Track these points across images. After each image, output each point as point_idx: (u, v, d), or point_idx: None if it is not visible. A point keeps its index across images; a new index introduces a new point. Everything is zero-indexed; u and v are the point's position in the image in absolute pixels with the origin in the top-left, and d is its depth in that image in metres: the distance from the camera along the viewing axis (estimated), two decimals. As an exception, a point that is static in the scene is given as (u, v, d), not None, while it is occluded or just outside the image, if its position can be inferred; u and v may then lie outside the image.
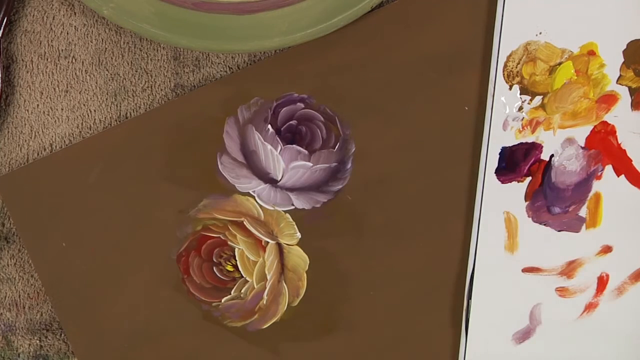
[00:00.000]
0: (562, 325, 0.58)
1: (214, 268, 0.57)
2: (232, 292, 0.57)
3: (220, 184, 0.57)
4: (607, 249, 0.59)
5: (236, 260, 0.57)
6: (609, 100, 0.58)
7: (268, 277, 0.57)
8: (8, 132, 0.58)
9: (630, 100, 0.58)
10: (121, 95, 0.58)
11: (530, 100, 0.58)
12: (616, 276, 0.59)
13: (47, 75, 0.58)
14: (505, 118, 0.58)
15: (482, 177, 0.58)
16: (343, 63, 0.58)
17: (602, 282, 0.59)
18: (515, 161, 0.58)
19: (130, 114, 0.58)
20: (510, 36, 0.57)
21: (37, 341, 0.58)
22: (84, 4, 0.57)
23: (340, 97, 0.58)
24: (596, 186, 0.58)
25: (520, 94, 0.58)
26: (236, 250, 0.57)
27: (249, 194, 0.57)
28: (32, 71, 0.58)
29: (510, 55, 0.58)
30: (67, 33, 0.58)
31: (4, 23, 0.56)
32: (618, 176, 0.58)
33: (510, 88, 0.58)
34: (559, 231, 0.58)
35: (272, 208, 0.57)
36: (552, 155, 0.58)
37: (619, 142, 0.58)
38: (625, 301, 0.59)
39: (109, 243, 0.57)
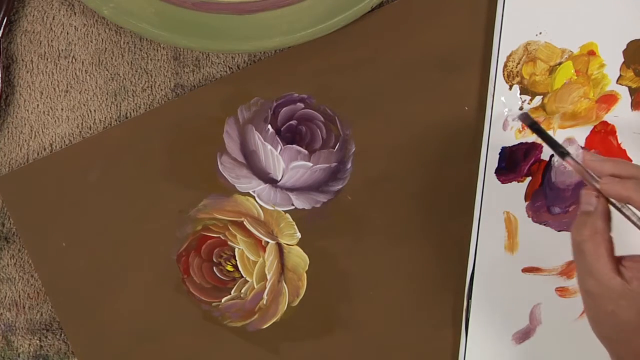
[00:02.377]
0: (562, 325, 0.58)
1: (214, 268, 0.57)
2: (232, 292, 0.57)
3: (220, 184, 0.57)
4: (607, 249, 0.59)
5: (236, 260, 0.57)
6: (609, 100, 0.58)
7: (268, 277, 0.57)
8: (8, 132, 0.58)
9: (630, 100, 0.58)
10: (121, 95, 0.58)
11: (530, 100, 0.58)
12: (616, 276, 0.59)
13: (47, 75, 0.58)
14: (505, 118, 0.58)
15: (482, 177, 0.58)
16: (343, 63, 0.58)
17: (602, 282, 0.59)
18: (515, 161, 0.58)
19: (130, 114, 0.58)
20: (510, 36, 0.57)
21: (37, 341, 0.58)
22: (84, 4, 0.57)
23: (340, 97, 0.58)
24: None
25: (520, 94, 0.58)
26: (236, 250, 0.57)
27: (249, 194, 0.57)
28: (32, 71, 0.58)
29: (510, 55, 0.58)
30: (67, 33, 0.58)
31: (4, 23, 0.56)
32: (618, 176, 0.58)
33: (510, 88, 0.58)
34: (559, 231, 0.58)
35: (272, 208, 0.57)
36: (552, 155, 0.58)
37: (619, 142, 0.58)
38: (625, 301, 0.59)
39: (109, 243, 0.57)
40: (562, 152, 0.51)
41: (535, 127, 0.54)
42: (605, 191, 0.48)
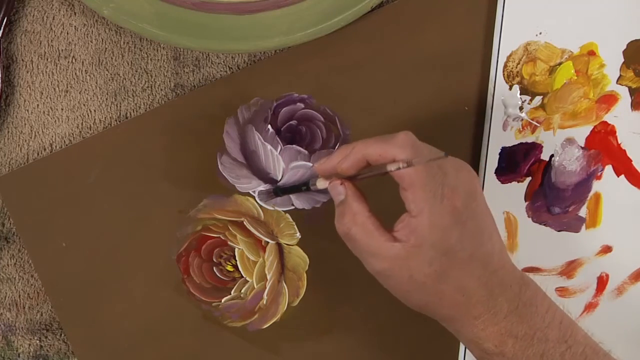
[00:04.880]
0: (562, 325, 0.58)
1: (214, 268, 0.57)
2: (232, 292, 0.57)
3: (220, 184, 0.57)
4: (607, 249, 0.59)
5: (236, 260, 0.57)
6: (609, 100, 0.58)
7: (268, 277, 0.57)
8: (8, 132, 0.58)
9: (630, 100, 0.58)
10: (121, 95, 0.58)
11: (530, 100, 0.58)
12: (616, 276, 0.59)
13: (47, 75, 0.58)
14: (505, 118, 0.58)
15: (482, 177, 0.58)
16: (343, 63, 0.58)
17: (602, 282, 0.59)
18: (515, 161, 0.58)
19: (130, 114, 0.58)
20: (510, 36, 0.57)
21: (37, 341, 0.58)
22: (84, 4, 0.57)
23: (340, 97, 0.58)
24: (596, 186, 0.58)
25: (520, 94, 0.58)
26: (236, 250, 0.57)
27: (249, 194, 0.57)
28: (32, 71, 0.58)
29: (510, 55, 0.58)
30: (67, 33, 0.58)
31: (4, 23, 0.56)
32: (618, 176, 0.58)
33: (510, 88, 0.58)
34: (559, 231, 0.58)
35: (272, 208, 0.57)
36: (552, 156, 0.58)
37: (619, 142, 0.58)
38: (625, 301, 0.59)
39: (109, 243, 0.57)
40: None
41: None
42: (322, 171, 0.49)
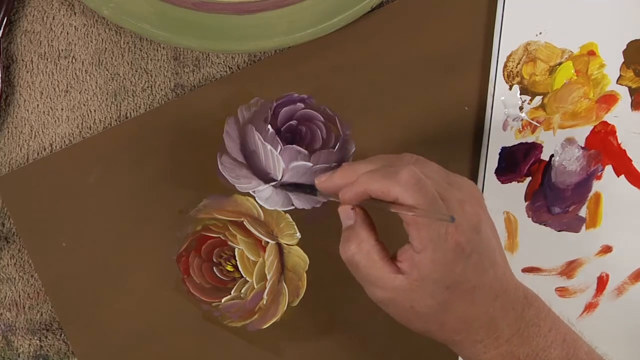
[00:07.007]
0: (562, 325, 0.58)
1: (214, 268, 0.57)
2: (232, 292, 0.57)
3: (220, 184, 0.57)
4: (607, 249, 0.59)
5: (236, 260, 0.57)
6: (609, 100, 0.58)
7: (268, 277, 0.57)
8: (8, 132, 0.58)
9: (630, 100, 0.58)
10: (121, 95, 0.58)
11: (530, 100, 0.58)
12: (616, 276, 0.59)
13: (47, 75, 0.58)
14: (505, 118, 0.58)
15: (482, 177, 0.58)
16: (343, 63, 0.58)
17: (602, 282, 0.59)
18: (515, 161, 0.58)
19: (130, 114, 0.58)
20: (510, 36, 0.57)
21: (37, 341, 0.58)
22: (84, 4, 0.57)
23: (340, 97, 0.58)
24: (596, 186, 0.58)
25: (520, 94, 0.58)
26: (236, 250, 0.57)
27: (249, 194, 0.57)
28: (32, 71, 0.58)
29: (510, 55, 0.58)
30: (67, 33, 0.58)
31: (4, 23, 0.56)
32: (618, 176, 0.58)
33: (510, 88, 0.58)
34: (559, 231, 0.58)
35: (272, 208, 0.57)
36: (552, 156, 0.58)
37: (619, 142, 0.58)
38: (625, 301, 0.59)
39: (109, 243, 0.57)
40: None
41: None
42: (322, 189, 0.49)
